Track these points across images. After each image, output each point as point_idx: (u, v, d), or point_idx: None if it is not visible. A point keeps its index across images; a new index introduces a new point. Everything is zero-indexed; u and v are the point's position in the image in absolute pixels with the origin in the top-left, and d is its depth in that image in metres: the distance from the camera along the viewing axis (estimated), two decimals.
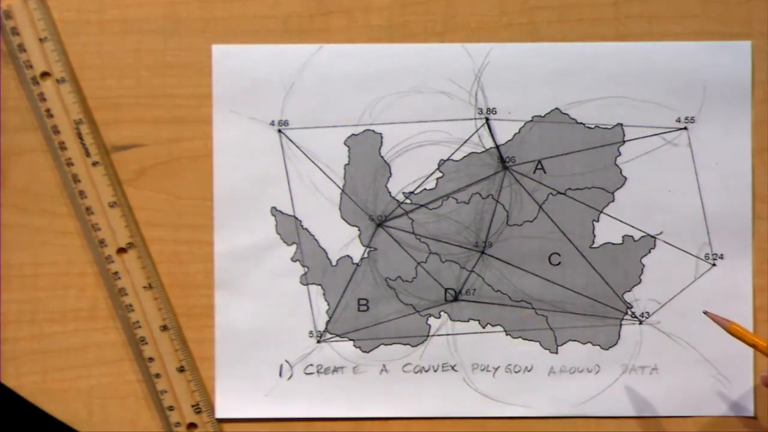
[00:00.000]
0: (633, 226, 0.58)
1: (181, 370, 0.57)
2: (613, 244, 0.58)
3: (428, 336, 0.58)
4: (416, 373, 0.58)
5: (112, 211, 0.57)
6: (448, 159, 0.58)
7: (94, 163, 0.57)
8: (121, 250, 0.57)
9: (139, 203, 0.58)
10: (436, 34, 0.58)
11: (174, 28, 0.58)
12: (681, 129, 0.58)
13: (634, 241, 0.58)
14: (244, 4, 0.58)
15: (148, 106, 0.58)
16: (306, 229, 0.58)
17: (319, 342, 0.58)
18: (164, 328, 0.57)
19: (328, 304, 0.58)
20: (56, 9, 0.58)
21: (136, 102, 0.58)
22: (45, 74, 0.57)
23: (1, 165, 0.57)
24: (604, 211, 0.58)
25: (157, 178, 0.58)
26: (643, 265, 0.58)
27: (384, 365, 0.58)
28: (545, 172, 0.58)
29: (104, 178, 0.57)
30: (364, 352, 0.58)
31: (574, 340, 0.58)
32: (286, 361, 0.58)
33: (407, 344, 0.58)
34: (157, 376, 0.57)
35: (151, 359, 0.57)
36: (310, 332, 0.58)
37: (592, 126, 0.58)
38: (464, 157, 0.58)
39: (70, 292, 0.58)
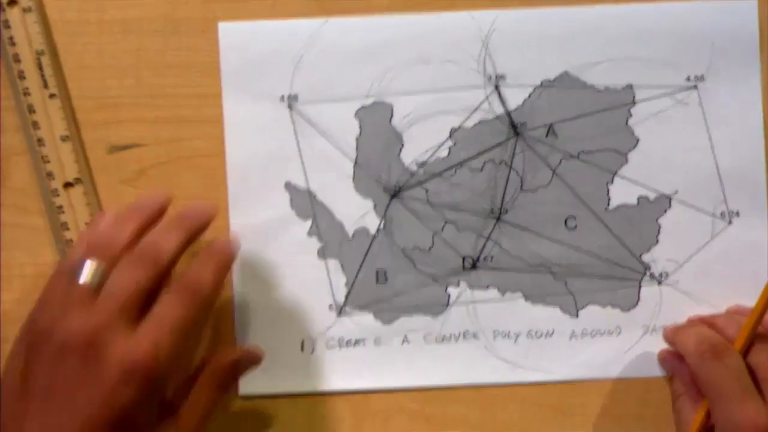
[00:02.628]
0: (648, 187, 0.58)
1: None
2: (628, 205, 0.58)
3: (448, 305, 0.58)
4: (438, 342, 0.58)
5: (64, 145, 0.56)
6: (459, 127, 0.58)
7: (51, 95, 0.56)
8: (68, 185, 0.56)
9: None
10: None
11: (174, 28, 0.57)
12: (691, 88, 0.58)
13: (650, 201, 0.58)
14: (244, 5, 0.57)
15: (148, 106, 0.57)
16: (321, 202, 0.58)
17: (339, 315, 0.58)
18: None
19: (346, 278, 0.58)
20: (56, 9, 0.57)
21: (136, 102, 0.57)
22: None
23: (1, 165, 0.57)
24: (618, 173, 0.58)
25: (157, 178, 0.58)
26: (660, 226, 0.58)
27: (405, 336, 0.58)
28: (557, 137, 0.58)
29: (59, 111, 0.56)
30: (385, 323, 0.58)
31: (594, 304, 0.58)
32: (308, 335, 0.58)
33: (428, 314, 0.58)
34: None
35: None
36: (330, 306, 0.58)
37: (602, 88, 0.58)
38: (475, 124, 0.58)
39: None
